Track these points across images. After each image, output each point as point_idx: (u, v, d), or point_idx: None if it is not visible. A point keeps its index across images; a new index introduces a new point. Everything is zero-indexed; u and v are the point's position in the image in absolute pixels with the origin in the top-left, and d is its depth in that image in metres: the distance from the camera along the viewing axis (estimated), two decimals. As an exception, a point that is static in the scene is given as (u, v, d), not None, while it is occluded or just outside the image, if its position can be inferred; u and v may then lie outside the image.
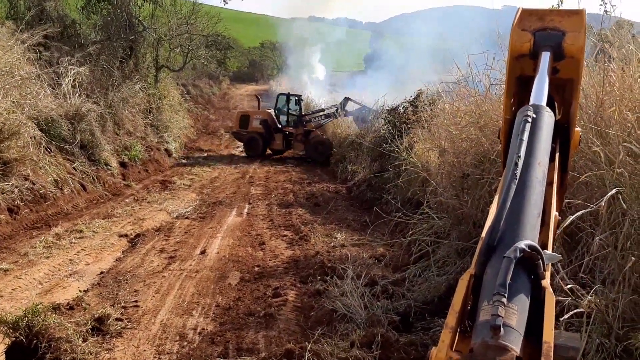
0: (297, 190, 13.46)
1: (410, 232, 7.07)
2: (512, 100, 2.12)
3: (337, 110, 19.65)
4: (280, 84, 46.64)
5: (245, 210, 11.14)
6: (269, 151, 20.43)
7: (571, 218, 3.53)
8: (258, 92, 23.49)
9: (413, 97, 11.82)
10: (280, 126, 20.04)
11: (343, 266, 6.69)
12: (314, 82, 41.08)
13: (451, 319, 1.32)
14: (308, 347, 3.68)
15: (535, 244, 1.33)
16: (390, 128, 12.02)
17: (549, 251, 1.57)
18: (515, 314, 1.23)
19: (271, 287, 6.53)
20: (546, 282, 1.34)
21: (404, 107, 12.19)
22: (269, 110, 20.48)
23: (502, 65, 6.43)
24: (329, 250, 7.87)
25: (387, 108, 13.26)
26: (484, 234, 1.49)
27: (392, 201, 8.79)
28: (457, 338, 1.36)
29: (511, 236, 1.38)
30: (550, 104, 2.06)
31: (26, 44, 12.28)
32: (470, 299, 1.40)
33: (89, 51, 16.63)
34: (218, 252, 8.06)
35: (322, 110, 20.64)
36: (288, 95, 20.80)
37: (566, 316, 3.42)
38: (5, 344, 4.49)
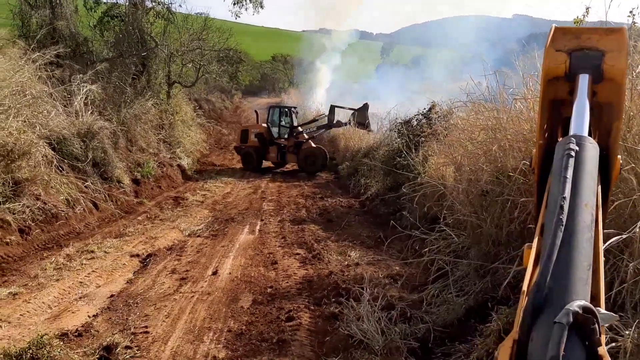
0: (309, 206, 13.29)
1: (427, 250, 6.85)
2: (545, 126, 1.94)
3: (335, 121, 19.62)
4: (291, 97, 46.73)
5: (258, 227, 10.98)
6: (270, 164, 20.59)
7: (604, 246, 3.31)
8: (269, 105, 23.44)
9: (427, 109, 11.63)
10: (273, 139, 20.11)
11: (359, 287, 6.49)
12: (325, 94, 41.03)
13: None
14: (323, 381, 3.49)
15: (589, 304, 1.15)
16: (404, 141, 11.83)
17: (603, 308, 1.37)
18: None
19: (284, 309, 6.34)
20: (603, 349, 1.15)
21: (417, 119, 12.00)
22: (264, 124, 20.58)
23: (518, 80, 6.25)
24: (343, 270, 7.67)
25: (401, 120, 13.07)
26: (525, 288, 1.30)
27: (409, 217, 8.57)
28: None
29: (560, 295, 1.18)
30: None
31: (38, 63, 12.28)
32: None
33: (101, 69, 16.68)
34: (230, 273, 7.89)
35: (315, 120, 20.60)
36: (280, 108, 20.86)
37: None
38: (9, 379, 4.34)
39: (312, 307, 6.41)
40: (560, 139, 1.69)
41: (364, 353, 4.81)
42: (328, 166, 20.10)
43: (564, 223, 1.26)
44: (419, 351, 4.88)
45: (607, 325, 1.26)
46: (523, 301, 1.24)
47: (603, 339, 1.21)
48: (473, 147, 6.52)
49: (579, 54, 1.73)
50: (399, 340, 4.99)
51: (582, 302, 1.12)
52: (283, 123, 20.17)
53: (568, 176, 1.35)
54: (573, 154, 1.42)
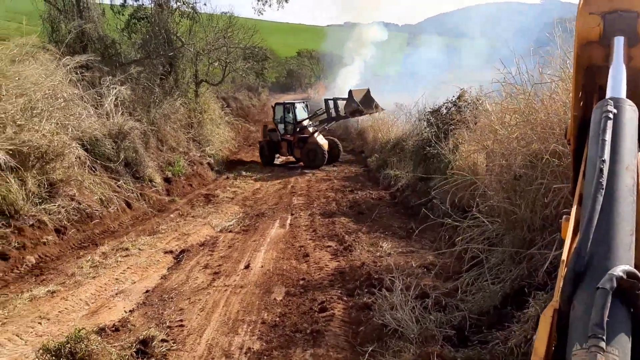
0: (339, 199, 13.24)
1: (460, 239, 6.74)
2: (580, 95, 1.86)
3: (336, 114, 19.79)
4: (317, 92, 46.68)
5: (288, 222, 10.99)
6: (285, 159, 21.03)
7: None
8: (303, 100, 23.46)
9: (455, 97, 11.45)
10: (280, 135, 20.30)
11: (391, 276, 6.44)
12: (352, 87, 40.83)
13: None
14: (358, 369, 3.46)
15: (633, 268, 1.08)
16: (433, 130, 11.68)
17: None
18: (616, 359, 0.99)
19: (317, 301, 6.32)
20: None
21: (446, 107, 11.82)
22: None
23: (550, 61, 6.09)
24: (375, 261, 7.61)
25: (429, 110, 12.91)
26: (565, 257, 1.24)
27: (439, 205, 8.46)
28: None
29: (602, 260, 1.12)
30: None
31: (68, 67, 12.52)
32: (555, 337, 1.17)
33: (129, 70, 16.93)
34: (262, 266, 7.92)
35: (315, 114, 20.57)
36: (284, 104, 20.94)
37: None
38: (49, 373, 4.43)
39: (345, 298, 6.38)
40: None
41: (398, 342, 4.76)
42: (339, 159, 20.31)
43: (604, 187, 1.20)
44: (455, 339, 4.80)
45: None
46: (563, 270, 1.18)
47: None
48: (505, 132, 6.38)
49: (613, 16, 1.65)
50: (434, 328, 4.92)
51: (626, 267, 1.06)
52: (287, 119, 20.30)
53: (607, 139, 1.29)
54: (611, 116, 1.35)
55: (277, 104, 21.61)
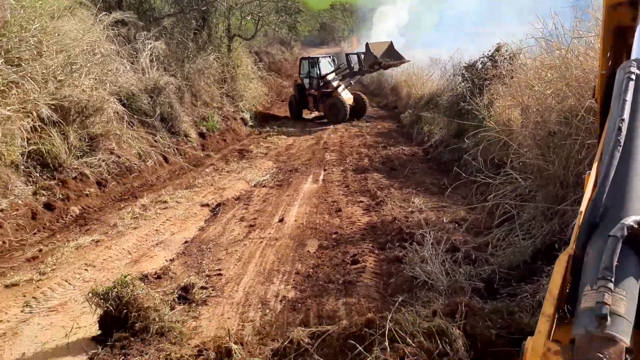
0: (372, 155, 13.30)
1: (492, 195, 6.78)
2: (608, 54, 1.90)
3: (359, 68, 19.60)
4: (351, 46, 46.00)
5: (321, 177, 11.15)
6: (311, 114, 21.14)
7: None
8: (328, 54, 23.26)
9: (492, 51, 11.22)
10: (306, 90, 20.46)
11: (422, 231, 6.56)
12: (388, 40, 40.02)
13: (548, 305, 1.19)
14: (389, 317, 3.61)
15: None
16: (468, 85, 11.53)
17: None
18: (623, 301, 1.09)
19: (349, 253, 6.51)
20: None
21: (482, 62, 11.61)
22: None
23: (589, 17, 5.94)
24: (407, 216, 7.73)
25: (465, 64, 12.70)
26: (583, 209, 1.33)
27: (472, 162, 8.45)
28: (554, 325, 1.23)
29: (616, 211, 1.21)
30: None
31: (105, 22, 12.69)
32: (569, 281, 1.27)
33: (163, 25, 17.03)
34: (296, 220, 8.12)
35: (339, 68, 20.33)
36: (309, 59, 20.98)
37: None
38: (98, 314, 4.73)
39: (376, 251, 6.54)
40: None
41: (428, 293, 4.91)
42: (364, 116, 20.30)
43: (622, 144, 1.27)
44: (484, 291, 4.92)
45: None
46: (580, 220, 1.27)
47: None
48: (541, 87, 6.30)
49: None
50: (463, 280, 5.05)
51: (638, 217, 1.14)
52: (312, 74, 20.32)
53: (627, 98, 1.35)
54: (633, 77, 1.40)
55: (302, 58, 21.64)
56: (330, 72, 19.97)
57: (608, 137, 1.36)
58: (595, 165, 1.51)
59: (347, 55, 20.30)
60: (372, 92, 29.42)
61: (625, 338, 1.04)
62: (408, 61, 20.09)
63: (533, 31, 7.00)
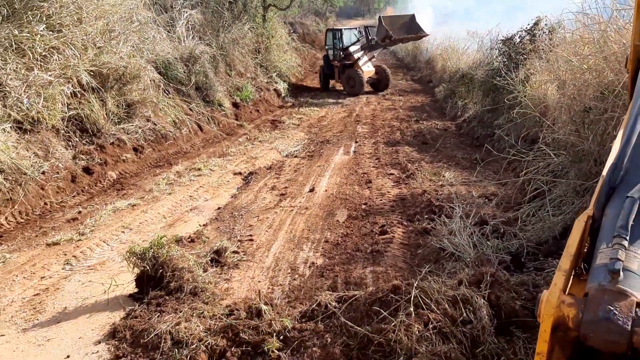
0: (404, 128, 13.25)
1: (524, 171, 6.74)
2: None
3: (374, 40, 19.23)
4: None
5: (352, 149, 11.19)
6: (338, 86, 20.94)
7: None
8: (362, 26, 23.05)
9: (531, 25, 10.98)
10: (330, 61, 20.40)
11: (451, 205, 6.59)
12: (424, 13, 39.30)
13: (565, 261, 1.26)
14: (415, 284, 3.70)
15: None
16: (504, 60, 11.33)
17: None
18: (637, 258, 1.14)
19: (378, 224, 6.59)
20: None
21: (520, 36, 11.38)
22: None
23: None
24: (437, 189, 7.74)
25: (502, 38, 12.45)
26: (604, 173, 1.38)
27: (505, 138, 8.39)
28: (571, 281, 1.29)
29: (635, 175, 1.26)
30: None
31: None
32: (587, 241, 1.32)
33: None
34: (326, 190, 8.22)
35: (358, 40, 20.05)
36: (333, 31, 20.79)
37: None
38: (134, 273, 4.95)
39: (404, 223, 6.60)
40: None
41: (455, 264, 4.97)
42: (386, 87, 20.16)
43: None
44: (511, 265, 4.95)
45: None
46: (600, 182, 1.33)
47: None
48: (578, 62, 6.20)
49: None
50: (490, 253, 5.09)
51: None
52: (336, 45, 20.22)
53: None
54: None
55: (327, 30, 21.58)
56: (352, 44, 19.83)
57: (634, 103, 1.40)
58: (620, 132, 1.54)
59: (366, 27, 20.20)
60: (406, 65, 29.08)
61: (637, 293, 1.10)
62: (427, 35, 19.75)
63: (573, 4, 6.86)
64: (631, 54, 1.88)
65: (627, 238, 1.12)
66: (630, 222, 1.13)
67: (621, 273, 1.09)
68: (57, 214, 7.37)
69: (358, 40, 20.26)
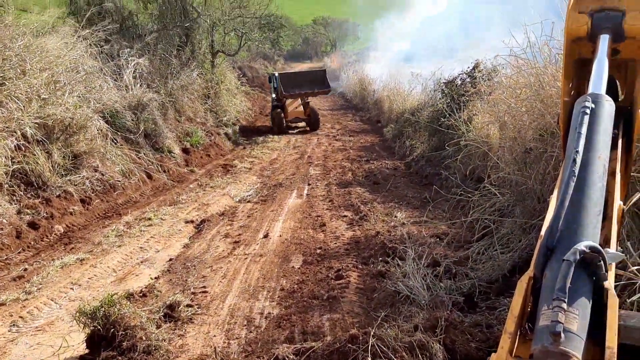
0: (355, 169, 13.44)
1: (472, 211, 6.94)
2: (570, 84, 2.04)
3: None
4: (333, 60, 46.43)
5: (305, 192, 11.25)
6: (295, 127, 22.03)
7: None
8: (312, 69, 24.15)
9: (471, 68, 11.48)
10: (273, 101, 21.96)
11: (404, 246, 6.68)
12: (372, 56, 40.50)
13: (510, 323, 1.31)
14: (372, 332, 3.72)
15: (596, 244, 1.29)
16: (448, 101, 11.76)
17: (613, 247, 1.52)
18: (576, 319, 1.20)
19: (333, 269, 6.60)
20: (608, 283, 1.30)
21: (461, 78, 11.86)
22: None
23: (562, 35, 6.14)
24: (390, 230, 7.85)
25: (444, 80, 12.94)
26: (542, 233, 1.45)
27: (451, 177, 8.64)
28: (517, 342, 1.34)
29: (570, 237, 1.34)
30: (612, 83, 1.96)
31: (88, 40, 12.74)
32: (530, 300, 1.38)
33: (147, 41, 17.11)
34: (280, 235, 8.21)
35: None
36: (270, 75, 22.45)
37: (636, 297, 3.29)
38: (85, 333, 4.77)
39: (360, 266, 6.64)
40: None
41: (410, 307, 5.02)
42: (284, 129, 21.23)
43: (576, 174, 1.40)
44: (464, 305, 5.05)
45: (615, 263, 1.41)
46: (539, 244, 1.40)
47: (611, 275, 1.36)
48: (517, 105, 6.50)
49: (600, 14, 1.81)
50: (444, 295, 5.17)
51: (589, 243, 1.27)
52: (275, 87, 21.54)
53: (582, 132, 1.49)
54: (588, 111, 1.54)
55: (268, 74, 22.80)
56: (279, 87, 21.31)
57: (564, 166, 1.49)
58: (555, 192, 1.64)
59: (272, 75, 21.80)
60: (355, 106, 29.65)
61: (577, 353, 1.16)
62: (327, 91, 21.54)
63: (509, 47, 7.20)
64: (561, 112, 2.00)
65: (566, 300, 1.18)
66: (568, 285, 1.20)
67: (562, 335, 1.15)
68: (1, 273, 7.07)
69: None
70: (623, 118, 1.95)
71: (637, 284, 3.34)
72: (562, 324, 1.16)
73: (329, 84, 21.13)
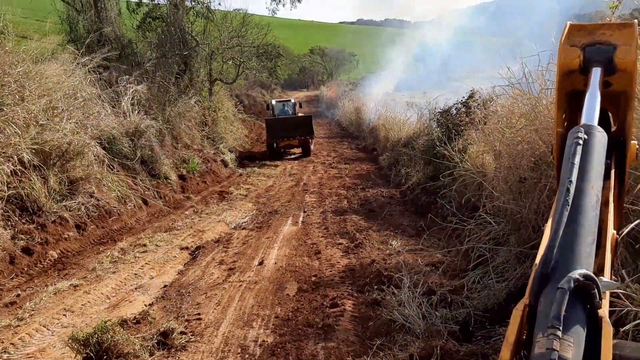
0: (351, 197, 13.47)
1: (467, 239, 6.96)
2: (563, 116, 2.09)
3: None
4: (329, 89, 46.85)
5: (301, 219, 11.25)
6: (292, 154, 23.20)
7: (634, 223, 3.41)
8: (308, 98, 24.66)
9: (466, 97, 11.61)
10: None
11: (400, 274, 6.67)
12: (366, 85, 40.92)
13: (505, 352, 1.32)
14: (367, 361, 3.70)
15: (590, 272, 1.31)
16: (443, 130, 11.86)
17: (607, 275, 1.54)
18: (571, 347, 1.22)
19: (328, 297, 6.57)
20: (603, 311, 1.31)
21: (456, 108, 11.99)
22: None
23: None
24: (385, 258, 7.84)
25: (440, 110, 13.08)
26: (537, 261, 1.48)
27: (447, 206, 8.67)
28: None
29: (565, 265, 1.36)
30: (604, 116, 2.01)
31: (87, 67, 12.86)
32: (526, 328, 1.40)
33: (145, 69, 17.29)
34: (275, 263, 8.18)
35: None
36: (267, 103, 24.66)
37: (629, 325, 3.30)
38: (78, 360, 4.73)
39: (355, 294, 6.62)
40: None
41: (405, 336, 4.99)
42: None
43: (570, 203, 1.43)
44: (460, 334, 5.02)
45: (610, 291, 1.43)
46: (534, 271, 1.42)
47: (605, 303, 1.38)
48: (511, 134, 6.58)
49: (592, 48, 1.87)
50: (439, 324, 5.15)
51: (583, 271, 1.29)
52: (272, 114, 23.19)
53: (575, 162, 1.52)
54: (581, 142, 1.58)
55: (266, 102, 24.94)
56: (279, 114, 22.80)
57: (558, 196, 1.52)
58: (549, 221, 1.66)
59: (269, 103, 23.78)
60: (351, 134, 29.85)
61: None
62: (311, 137, 22.65)
63: (505, 77, 7.32)
64: (555, 143, 2.04)
65: (560, 328, 1.20)
66: (562, 312, 1.21)
67: None
68: (-8, 299, 7.00)
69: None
70: (615, 149, 1.99)
71: (632, 313, 3.35)
72: (557, 351, 1.17)
73: (312, 130, 22.30)
